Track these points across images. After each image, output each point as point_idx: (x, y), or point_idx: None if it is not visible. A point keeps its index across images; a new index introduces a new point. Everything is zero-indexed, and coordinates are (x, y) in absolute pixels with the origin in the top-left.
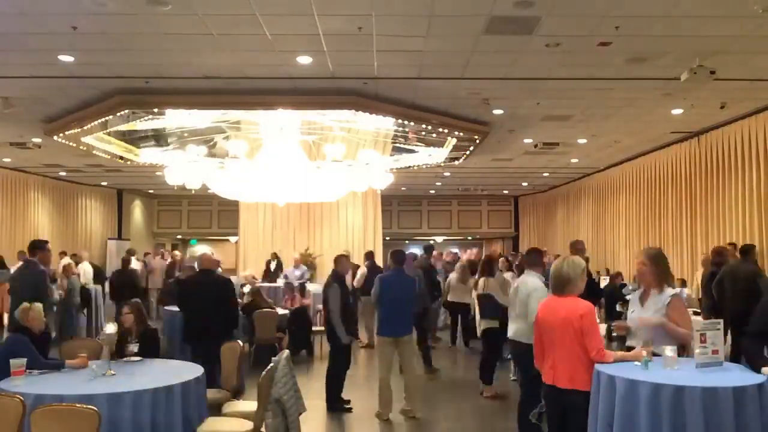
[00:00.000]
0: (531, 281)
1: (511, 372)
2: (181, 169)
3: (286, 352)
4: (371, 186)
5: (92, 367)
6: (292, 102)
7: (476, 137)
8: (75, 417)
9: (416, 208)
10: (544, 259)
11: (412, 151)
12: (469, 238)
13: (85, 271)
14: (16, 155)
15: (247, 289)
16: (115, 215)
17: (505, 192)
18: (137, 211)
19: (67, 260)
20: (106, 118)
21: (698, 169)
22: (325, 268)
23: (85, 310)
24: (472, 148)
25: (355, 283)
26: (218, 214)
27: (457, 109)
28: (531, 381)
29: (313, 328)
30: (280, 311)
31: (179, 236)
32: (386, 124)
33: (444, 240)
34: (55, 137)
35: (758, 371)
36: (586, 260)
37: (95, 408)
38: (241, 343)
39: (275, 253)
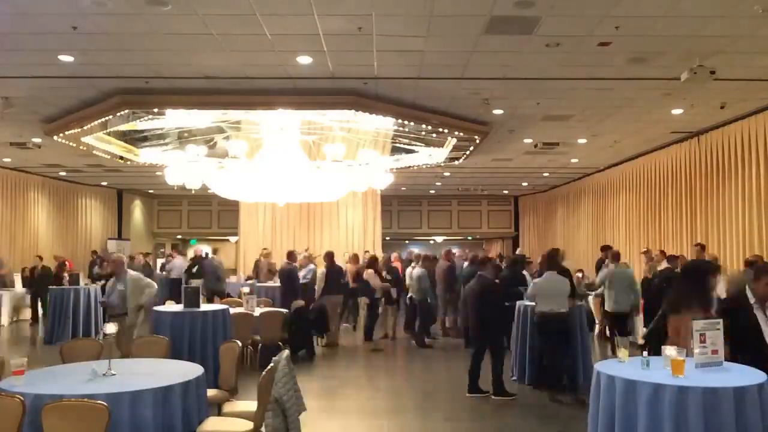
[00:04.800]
0: None
1: (512, 371)
2: (181, 169)
3: (286, 352)
4: (371, 186)
5: (92, 367)
6: (292, 102)
7: (476, 137)
8: (85, 412)
9: (416, 208)
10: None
11: (412, 151)
12: (469, 238)
13: None
14: (16, 155)
15: (246, 289)
16: (115, 215)
17: (505, 192)
18: (137, 211)
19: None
20: (106, 118)
21: (698, 169)
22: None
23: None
24: (472, 148)
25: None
26: (218, 214)
27: (457, 109)
28: None
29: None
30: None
31: (179, 236)
32: (386, 124)
33: (444, 240)
34: (55, 137)
35: None
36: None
37: (105, 403)
38: (239, 343)
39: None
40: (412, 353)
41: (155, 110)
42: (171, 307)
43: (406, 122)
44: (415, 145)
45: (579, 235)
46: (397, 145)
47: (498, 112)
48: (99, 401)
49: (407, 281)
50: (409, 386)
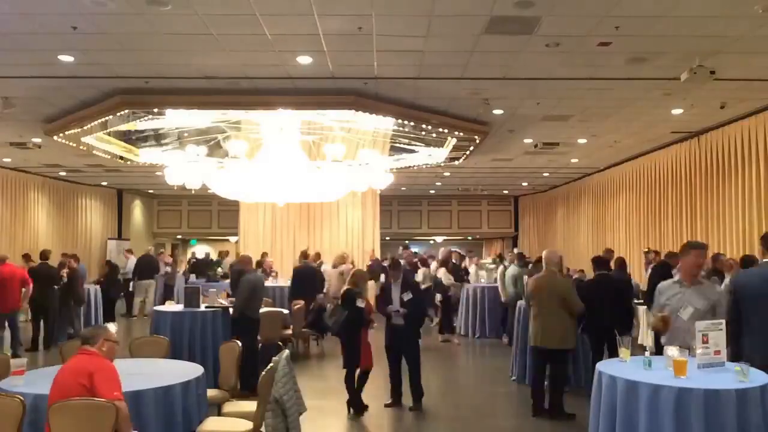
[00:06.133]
0: None
1: (511, 372)
2: (181, 169)
3: (286, 351)
4: (371, 186)
5: None
6: (292, 102)
7: (476, 137)
8: (92, 411)
9: (416, 208)
10: None
11: (412, 151)
12: (469, 238)
13: None
14: (16, 155)
15: None
16: (115, 215)
17: (505, 192)
18: (137, 211)
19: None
20: (106, 118)
21: (698, 169)
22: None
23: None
24: (472, 148)
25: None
26: (218, 214)
27: (457, 109)
28: None
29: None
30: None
31: (179, 236)
32: (386, 124)
33: (444, 240)
34: (55, 137)
35: None
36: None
37: (113, 402)
38: (239, 343)
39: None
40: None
41: (155, 110)
42: (171, 306)
43: (406, 122)
44: (415, 145)
45: (579, 235)
46: (397, 145)
47: (498, 112)
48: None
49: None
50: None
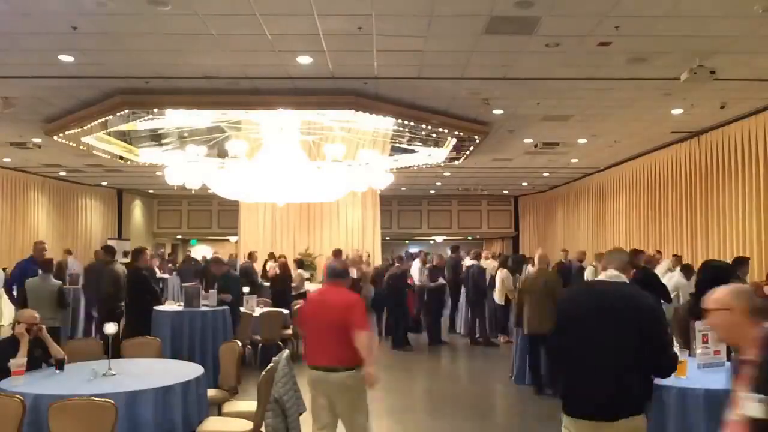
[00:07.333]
0: None
1: (511, 372)
2: (181, 169)
3: (286, 351)
4: (371, 186)
5: (92, 366)
6: (292, 102)
7: (476, 137)
8: (92, 411)
9: (416, 208)
10: None
11: (412, 151)
12: (469, 238)
13: None
14: (16, 155)
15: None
16: (115, 215)
17: (505, 192)
18: (137, 211)
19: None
20: (106, 118)
21: (698, 169)
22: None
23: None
24: (472, 148)
25: None
26: (218, 214)
27: (457, 109)
28: None
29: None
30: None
31: (179, 236)
32: (386, 124)
33: (444, 240)
34: (55, 137)
35: None
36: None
37: (113, 401)
38: (239, 343)
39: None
40: (415, 352)
41: (155, 110)
42: (171, 306)
43: (406, 122)
44: (415, 145)
45: (579, 235)
46: (397, 145)
47: (498, 112)
48: (106, 399)
49: None
50: (412, 386)
